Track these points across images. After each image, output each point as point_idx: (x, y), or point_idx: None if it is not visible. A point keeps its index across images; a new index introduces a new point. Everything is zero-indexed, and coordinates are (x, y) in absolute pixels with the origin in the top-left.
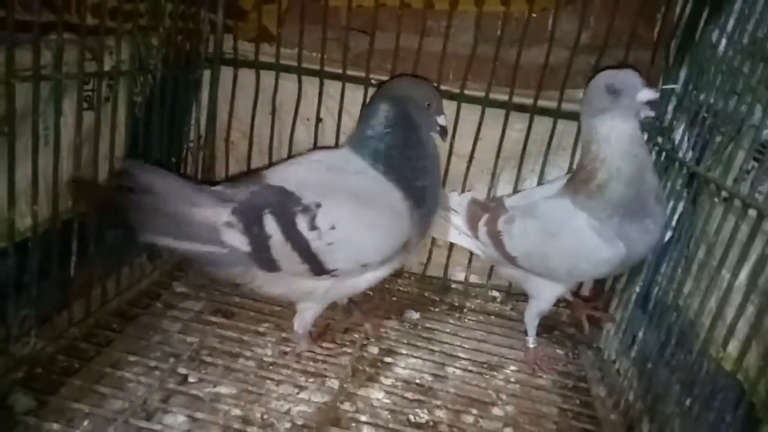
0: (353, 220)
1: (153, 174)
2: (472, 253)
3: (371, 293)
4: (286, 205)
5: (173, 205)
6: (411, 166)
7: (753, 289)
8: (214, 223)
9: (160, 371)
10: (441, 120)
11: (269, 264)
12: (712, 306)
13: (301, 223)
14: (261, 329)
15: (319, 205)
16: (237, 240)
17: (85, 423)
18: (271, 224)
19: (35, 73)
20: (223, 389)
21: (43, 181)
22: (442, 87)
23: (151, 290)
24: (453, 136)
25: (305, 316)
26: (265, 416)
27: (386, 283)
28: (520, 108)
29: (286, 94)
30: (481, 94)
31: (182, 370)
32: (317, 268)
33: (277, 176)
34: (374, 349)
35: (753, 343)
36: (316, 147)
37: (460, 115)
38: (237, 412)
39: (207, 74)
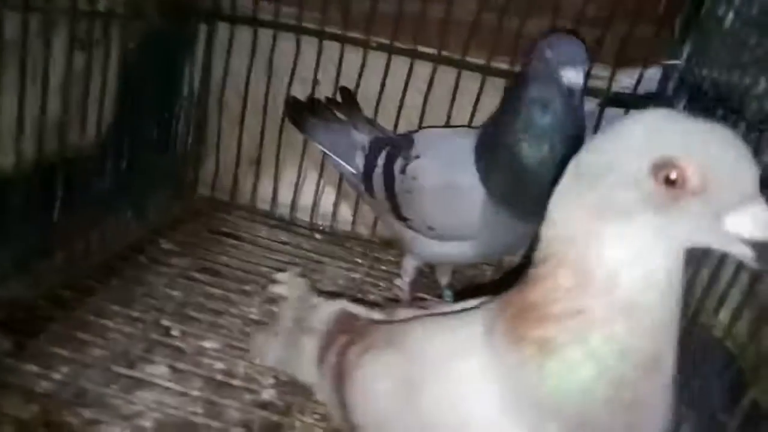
0: (432, 182)
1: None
2: None
3: None
4: (400, 149)
5: (343, 122)
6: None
7: None
8: (356, 144)
9: (143, 323)
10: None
11: (370, 189)
12: (704, 277)
13: (398, 164)
14: (247, 288)
15: (417, 157)
16: (360, 161)
17: (64, 368)
18: (381, 157)
19: (24, 2)
20: (206, 343)
21: (29, 120)
22: (443, 53)
23: (137, 245)
24: (452, 106)
25: (405, 266)
26: (249, 371)
27: None
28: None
29: (284, 55)
30: (483, 62)
31: (165, 323)
32: (396, 209)
33: (426, 131)
34: None
35: (744, 310)
36: None
37: (460, 84)
38: (220, 365)
39: (203, 30)
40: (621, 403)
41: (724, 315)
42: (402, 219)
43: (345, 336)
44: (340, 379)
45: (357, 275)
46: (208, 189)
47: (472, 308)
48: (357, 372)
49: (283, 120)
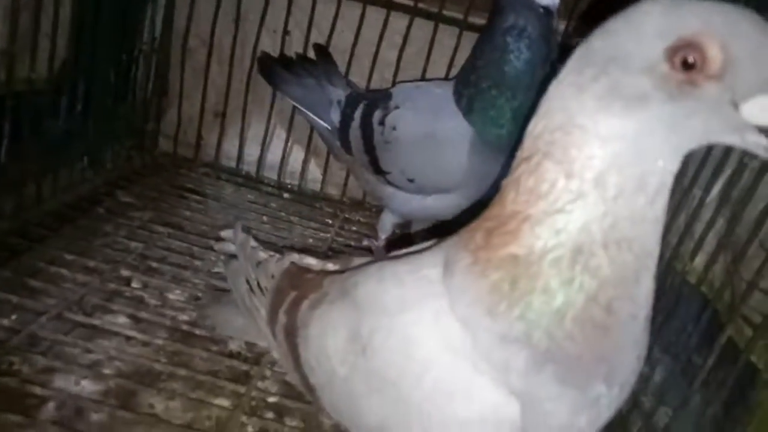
0: (412, 131)
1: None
2: None
3: None
4: (377, 101)
5: (318, 78)
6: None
7: (725, 203)
8: (331, 99)
9: (99, 273)
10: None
11: (346, 144)
12: (681, 223)
13: (376, 116)
14: (212, 244)
15: (397, 107)
16: (335, 116)
17: (13, 316)
18: (359, 111)
19: None
20: (170, 295)
21: None
22: (420, 6)
23: (93, 196)
24: (427, 62)
25: (382, 220)
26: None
27: None
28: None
29: (252, 3)
30: (460, 16)
31: (125, 273)
32: (374, 163)
33: (403, 84)
34: None
35: (720, 255)
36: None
37: (436, 38)
38: (185, 317)
39: None
40: (593, 325)
41: (699, 261)
42: (380, 173)
43: (295, 291)
44: (291, 338)
45: (327, 235)
46: (170, 143)
47: (432, 247)
48: (307, 329)
49: (250, 72)
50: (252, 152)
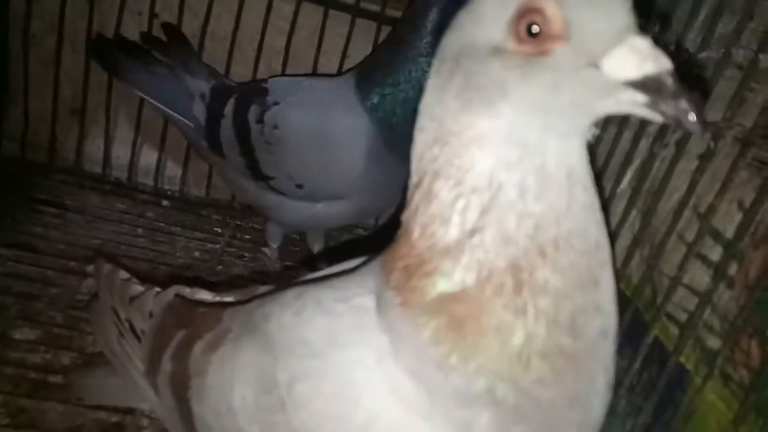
0: (299, 129)
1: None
2: None
3: None
4: (251, 95)
5: (173, 66)
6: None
7: (637, 195)
8: (192, 92)
9: None
10: None
11: (216, 145)
12: None
13: (252, 112)
14: (72, 265)
15: (276, 104)
16: (199, 112)
17: None
18: (229, 106)
19: None
20: (16, 335)
21: None
22: None
23: None
24: (318, 50)
25: (269, 231)
26: (79, 362)
27: None
28: (393, 21)
29: None
30: (352, 1)
31: None
32: (254, 167)
33: (277, 78)
34: None
35: (636, 251)
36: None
37: (326, 25)
38: (36, 359)
39: None
40: (562, 357)
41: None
42: (262, 179)
43: (183, 330)
44: (180, 391)
45: (215, 246)
46: (16, 147)
47: (352, 271)
48: (203, 377)
49: None
50: (121, 155)
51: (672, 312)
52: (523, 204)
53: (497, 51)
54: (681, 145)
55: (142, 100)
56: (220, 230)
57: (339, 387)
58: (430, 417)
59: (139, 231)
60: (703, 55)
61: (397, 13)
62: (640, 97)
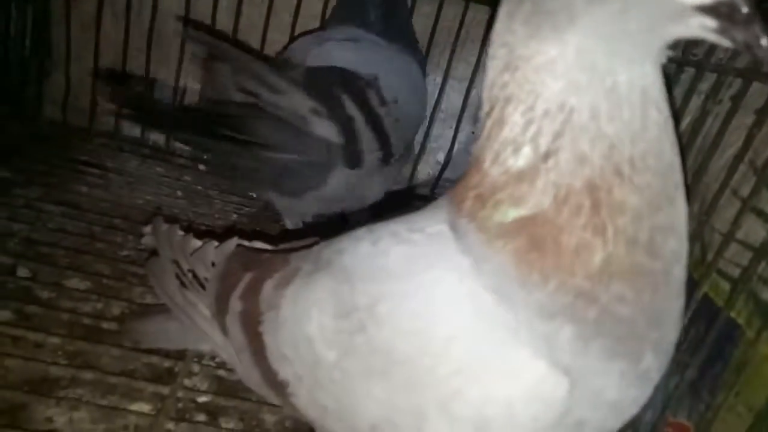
0: (406, 89)
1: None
2: None
3: None
4: (350, 81)
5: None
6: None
7: (689, 150)
8: (298, 111)
9: None
10: None
11: (356, 152)
12: None
13: (373, 98)
14: (117, 222)
15: (376, 78)
16: (325, 128)
17: None
18: (349, 104)
19: None
20: (67, 284)
21: None
22: None
23: None
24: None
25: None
26: (127, 311)
27: None
28: None
29: None
30: None
31: (7, 261)
32: (387, 152)
33: (335, 51)
34: None
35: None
36: (188, 15)
37: None
38: (87, 308)
39: None
40: (641, 275)
41: None
42: (388, 160)
43: (251, 272)
44: (252, 326)
45: (252, 210)
46: (58, 110)
47: (418, 211)
48: (277, 310)
49: (152, 25)
50: None
51: (723, 268)
52: (596, 125)
53: None
54: (737, 99)
55: (180, 62)
56: (255, 195)
57: (422, 304)
58: (513, 330)
59: (179, 193)
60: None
61: None
62: (711, 22)
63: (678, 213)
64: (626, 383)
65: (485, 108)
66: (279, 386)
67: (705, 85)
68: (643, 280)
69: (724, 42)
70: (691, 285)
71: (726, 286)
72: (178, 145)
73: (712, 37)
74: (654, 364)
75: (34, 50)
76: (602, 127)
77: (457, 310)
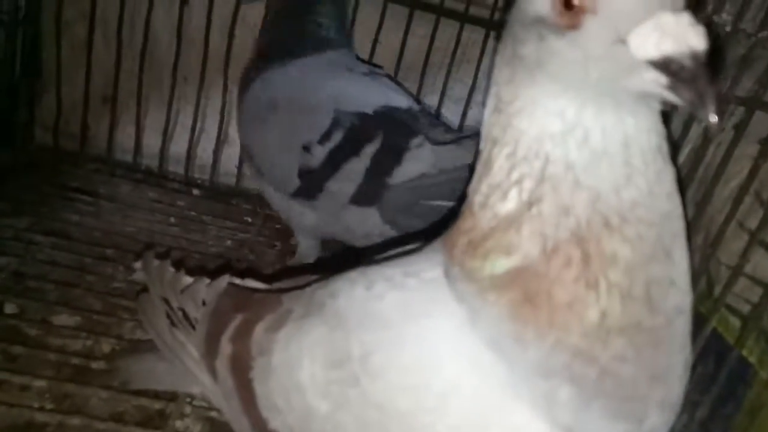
0: None
1: None
2: None
3: None
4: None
5: None
6: None
7: (690, 182)
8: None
9: None
10: None
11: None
12: None
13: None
14: (109, 253)
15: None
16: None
17: None
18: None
19: None
20: (55, 321)
21: None
22: None
23: None
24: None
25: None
26: (117, 348)
27: None
28: (426, 7)
29: None
30: None
31: None
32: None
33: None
34: None
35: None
36: (180, 38)
37: (358, 9)
38: (76, 347)
39: None
40: (640, 332)
41: None
42: None
43: (242, 313)
44: (242, 372)
45: (246, 235)
46: (48, 135)
47: (413, 252)
48: (269, 356)
49: (144, 49)
50: (152, 143)
51: (732, 303)
52: (573, 175)
53: (539, 20)
54: (740, 128)
55: (173, 88)
56: (250, 220)
57: (417, 357)
58: (512, 387)
59: (171, 219)
60: (763, 34)
61: None
62: (662, 78)
63: (677, 264)
64: None
65: (480, 147)
66: None
67: None
68: (644, 337)
69: (675, 100)
70: (698, 320)
71: (736, 322)
72: (172, 168)
73: (665, 95)
74: (658, 422)
75: (25, 74)
76: (579, 177)
77: (454, 364)
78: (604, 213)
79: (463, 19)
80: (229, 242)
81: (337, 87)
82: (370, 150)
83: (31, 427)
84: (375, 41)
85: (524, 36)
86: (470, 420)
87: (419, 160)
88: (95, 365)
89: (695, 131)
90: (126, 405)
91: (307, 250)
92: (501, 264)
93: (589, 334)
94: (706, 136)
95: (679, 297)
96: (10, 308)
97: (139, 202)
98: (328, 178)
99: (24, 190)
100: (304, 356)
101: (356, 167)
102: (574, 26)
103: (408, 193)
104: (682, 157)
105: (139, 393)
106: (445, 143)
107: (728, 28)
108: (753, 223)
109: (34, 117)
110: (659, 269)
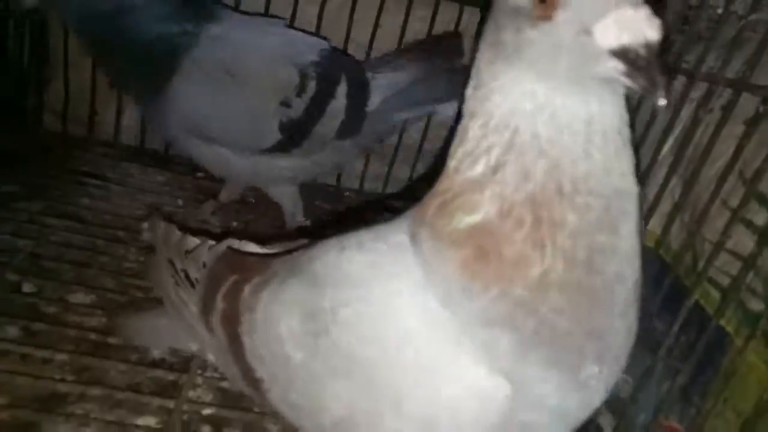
0: None
1: None
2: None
3: None
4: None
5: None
6: None
7: (679, 161)
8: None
9: None
10: None
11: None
12: None
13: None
14: (120, 235)
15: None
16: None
17: None
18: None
19: None
20: (72, 299)
21: None
22: None
23: None
24: (351, 19)
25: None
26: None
27: None
28: None
29: None
30: None
31: (13, 278)
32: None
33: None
34: None
35: (677, 217)
36: None
37: None
38: (93, 323)
39: None
40: (579, 290)
41: (654, 223)
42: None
43: (235, 275)
44: (232, 326)
45: (250, 216)
46: (57, 120)
47: (390, 221)
48: (253, 313)
49: None
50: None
51: (713, 276)
52: (537, 144)
53: (518, 11)
54: (728, 109)
55: None
56: (253, 200)
57: (379, 311)
58: (456, 338)
59: (179, 202)
60: (753, 17)
61: None
62: (621, 66)
63: (623, 239)
64: (566, 391)
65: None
66: (255, 383)
67: (697, 94)
68: (582, 296)
69: (632, 85)
70: (683, 293)
71: (716, 295)
72: (176, 152)
73: (623, 80)
74: (596, 373)
75: (33, 62)
76: (543, 146)
77: (410, 317)
78: (558, 180)
79: (463, 1)
80: (234, 223)
81: (274, 43)
82: (341, 90)
83: (54, 397)
84: (376, 24)
85: (504, 23)
86: (421, 366)
87: (380, 88)
88: (112, 340)
89: (685, 112)
90: (142, 377)
91: (289, 200)
92: (463, 221)
93: (530, 287)
94: (696, 117)
95: (622, 266)
96: (28, 287)
97: (147, 185)
98: (315, 122)
99: (35, 174)
100: (283, 312)
101: (337, 106)
102: (547, 18)
103: (379, 117)
104: (672, 138)
105: (154, 365)
106: (384, 70)
107: (720, 11)
108: (736, 202)
109: (42, 103)
110: (603, 238)
